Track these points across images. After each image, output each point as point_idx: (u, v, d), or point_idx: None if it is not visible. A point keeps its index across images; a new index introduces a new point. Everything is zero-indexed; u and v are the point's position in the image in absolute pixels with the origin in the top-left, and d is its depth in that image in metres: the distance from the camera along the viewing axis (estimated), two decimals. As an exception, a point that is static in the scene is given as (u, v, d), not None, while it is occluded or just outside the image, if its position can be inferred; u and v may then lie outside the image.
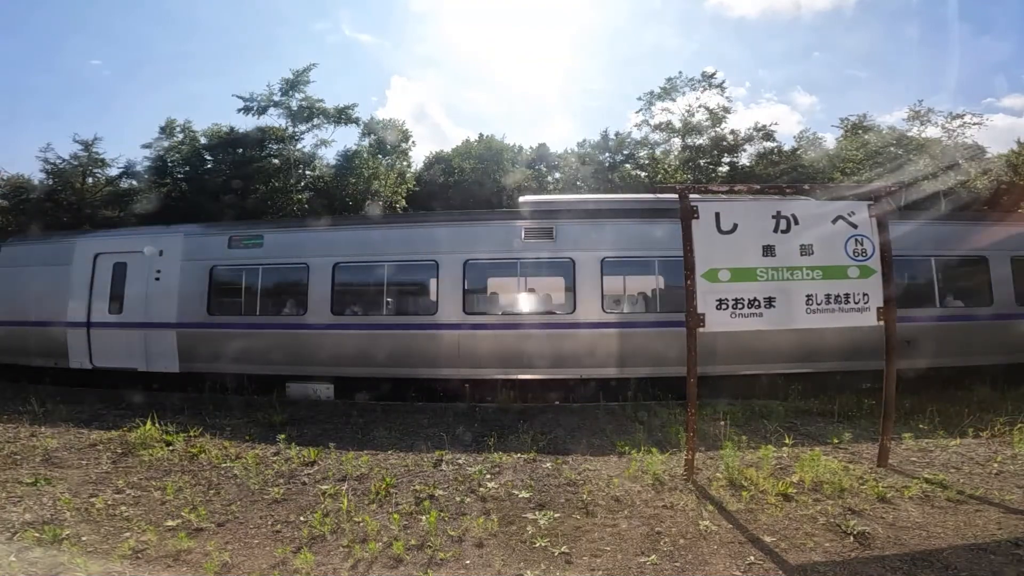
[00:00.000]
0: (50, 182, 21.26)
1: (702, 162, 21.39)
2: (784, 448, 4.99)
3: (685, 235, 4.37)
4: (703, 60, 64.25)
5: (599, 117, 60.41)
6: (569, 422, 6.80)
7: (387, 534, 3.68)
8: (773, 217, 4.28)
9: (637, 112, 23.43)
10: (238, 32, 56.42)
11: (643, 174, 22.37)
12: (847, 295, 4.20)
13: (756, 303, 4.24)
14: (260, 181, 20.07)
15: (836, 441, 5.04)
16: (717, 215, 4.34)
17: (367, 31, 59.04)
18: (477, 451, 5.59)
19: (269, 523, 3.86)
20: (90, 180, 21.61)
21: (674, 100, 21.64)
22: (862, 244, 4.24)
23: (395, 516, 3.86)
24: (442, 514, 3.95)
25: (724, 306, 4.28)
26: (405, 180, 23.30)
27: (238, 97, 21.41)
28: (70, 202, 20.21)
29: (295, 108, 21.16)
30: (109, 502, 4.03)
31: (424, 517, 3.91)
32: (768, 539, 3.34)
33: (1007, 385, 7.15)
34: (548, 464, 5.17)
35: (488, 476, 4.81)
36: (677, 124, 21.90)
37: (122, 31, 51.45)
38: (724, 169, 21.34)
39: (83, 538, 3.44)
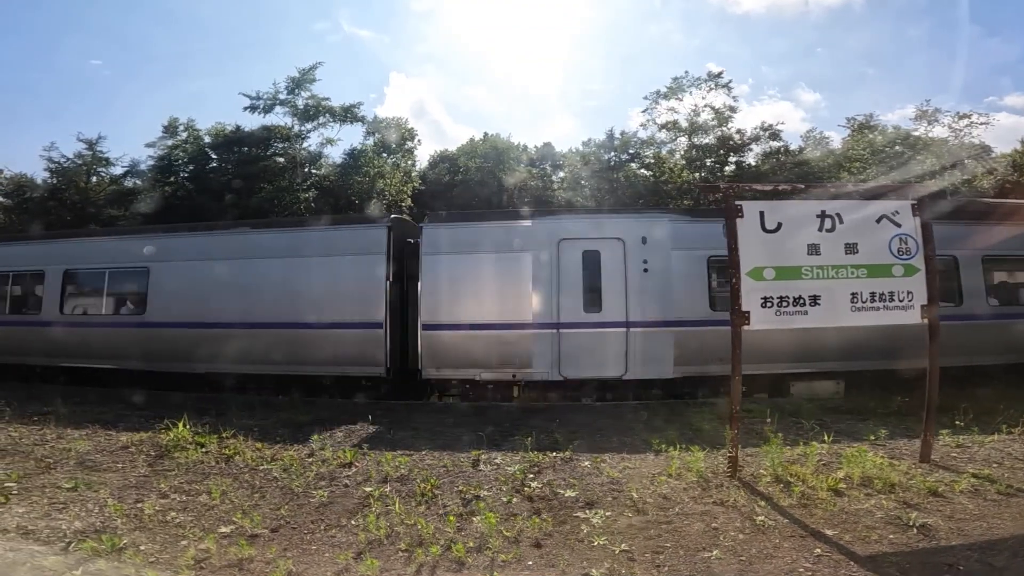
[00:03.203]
0: (53, 181, 21.06)
1: (708, 161, 21.55)
2: (823, 445, 5.04)
3: (730, 233, 4.40)
4: (706, 57, 63.93)
5: (599, 116, 60.04)
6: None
7: (443, 536, 3.66)
8: (818, 216, 4.33)
9: (643, 111, 23.67)
10: (237, 31, 55.89)
11: (648, 173, 22.44)
12: (892, 293, 4.26)
13: (801, 301, 4.28)
14: (265, 180, 19.91)
15: (873, 438, 5.10)
16: (762, 214, 4.37)
17: (367, 27, 58.50)
18: (512, 450, 5.59)
19: (322, 527, 3.83)
20: (94, 179, 21.44)
21: (680, 100, 21.78)
22: (906, 243, 4.30)
23: (451, 518, 3.86)
24: (493, 515, 3.95)
25: (769, 304, 4.32)
26: (411, 179, 23.23)
27: (244, 95, 21.39)
28: (73, 201, 19.98)
29: (301, 107, 21.08)
30: (157, 508, 3.98)
31: (476, 518, 3.91)
32: (830, 532, 3.39)
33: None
34: (587, 463, 5.18)
35: (530, 476, 4.82)
36: (683, 124, 22.02)
37: (122, 31, 51.05)
38: (730, 168, 21.53)
39: (141, 547, 3.38)
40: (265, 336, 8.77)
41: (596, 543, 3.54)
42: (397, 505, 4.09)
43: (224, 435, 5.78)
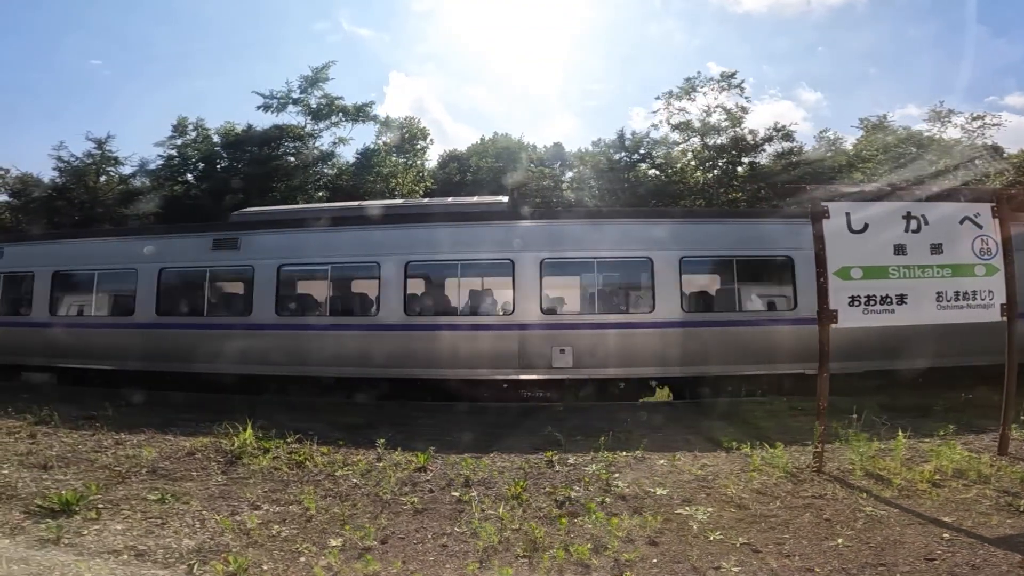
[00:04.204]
0: (61, 180, 20.48)
1: (721, 162, 21.89)
2: (891, 440, 5.14)
3: (816, 234, 4.49)
4: (707, 56, 63.72)
5: (600, 116, 59.44)
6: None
7: (555, 539, 3.64)
8: (904, 217, 4.45)
9: (655, 112, 23.72)
10: (238, 31, 55.64)
11: (658, 173, 22.60)
12: (974, 292, 4.40)
13: (888, 300, 4.40)
14: (278, 180, 19.58)
15: (943, 433, 5.27)
16: (848, 215, 4.47)
17: (366, 26, 57.90)
18: (581, 451, 5.60)
19: (429, 536, 3.74)
20: (103, 178, 20.86)
21: (693, 100, 22.03)
22: (987, 244, 4.45)
23: (562, 520, 3.84)
24: (597, 515, 3.94)
25: (856, 303, 4.43)
26: (424, 179, 23.10)
27: (258, 94, 20.98)
28: (82, 200, 19.34)
29: (314, 105, 20.84)
30: (258, 521, 3.84)
31: (579, 519, 3.90)
32: (948, 519, 3.50)
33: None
34: (662, 461, 5.23)
35: (615, 475, 4.84)
36: (696, 124, 22.24)
37: (121, 31, 50.70)
38: (742, 169, 21.82)
39: (263, 567, 3.24)
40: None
41: (712, 537, 3.57)
42: (501, 510, 4.05)
43: (288, 440, 5.65)
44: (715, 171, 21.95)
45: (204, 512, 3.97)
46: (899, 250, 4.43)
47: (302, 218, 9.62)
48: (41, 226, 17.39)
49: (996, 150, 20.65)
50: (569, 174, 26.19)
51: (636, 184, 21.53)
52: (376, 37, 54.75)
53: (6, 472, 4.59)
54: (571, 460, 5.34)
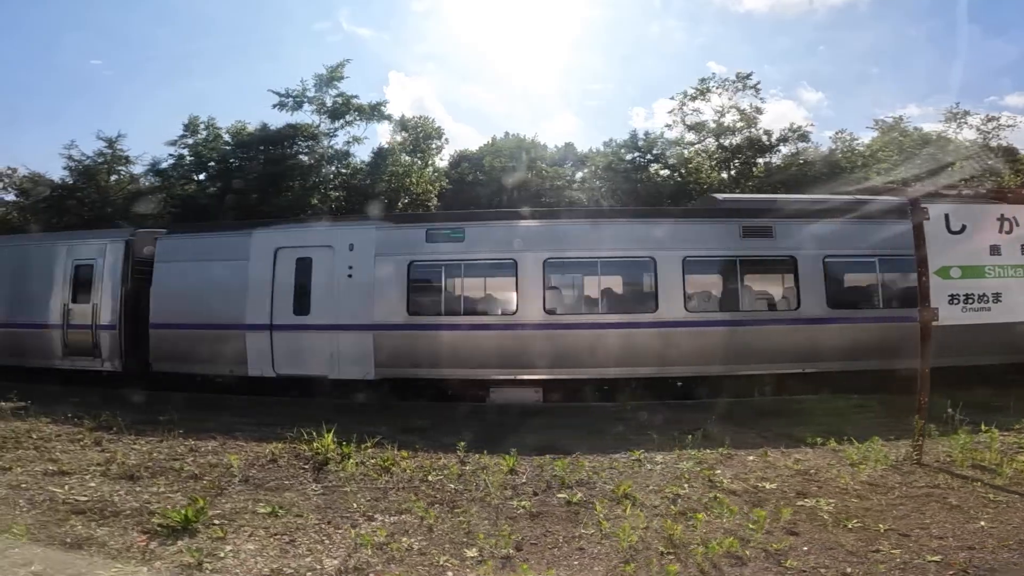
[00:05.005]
0: (71, 180, 19.80)
1: (736, 162, 22.36)
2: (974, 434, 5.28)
3: (917, 235, 4.62)
4: (708, 56, 63.20)
5: (601, 115, 58.27)
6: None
7: (694, 536, 3.62)
8: (998, 219, 4.62)
9: (669, 112, 24.07)
10: (239, 31, 54.62)
11: (673, 173, 22.85)
12: (1061, 290, 4.61)
13: (985, 298, 4.56)
14: (292, 179, 19.19)
15: (1018, 427, 5.47)
16: (947, 216, 4.62)
17: (366, 25, 57.11)
18: (664, 450, 5.58)
19: (560, 540, 3.67)
20: (113, 178, 20.25)
21: (707, 100, 22.43)
22: (1071, 243, 4.66)
23: (698, 516, 3.82)
24: (731, 509, 3.91)
25: (956, 301, 4.57)
26: (439, 177, 22.94)
27: (274, 92, 20.76)
28: (92, 199, 18.67)
29: (329, 104, 20.69)
30: (385, 534, 3.67)
31: (702, 515, 3.87)
32: None
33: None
34: (752, 458, 5.27)
35: (717, 471, 4.85)
36: (711, 124, 22.65)
37: (122, 31, 48.98)
38: (758, 170, 22.29)
39: None
40: None
41: (850, 525, 3.61)
42: (628, 509, 4.01)
43: (367, 445, 5.47)
44: (731, 171, 22.35)
45: (322, 525, 3.82)
46: (994, 250, 4.60)
47: (845, 208, 8.74)
48: (50, 226, 16.56)
49: (1010, 151, 21.55)
50: (579, 174, 26.33)
51: (648, 184, 21.76)
52: (376, 37, 53.85)
53: (94, 485, 4.34)
54: (658, 459, 5.33)
